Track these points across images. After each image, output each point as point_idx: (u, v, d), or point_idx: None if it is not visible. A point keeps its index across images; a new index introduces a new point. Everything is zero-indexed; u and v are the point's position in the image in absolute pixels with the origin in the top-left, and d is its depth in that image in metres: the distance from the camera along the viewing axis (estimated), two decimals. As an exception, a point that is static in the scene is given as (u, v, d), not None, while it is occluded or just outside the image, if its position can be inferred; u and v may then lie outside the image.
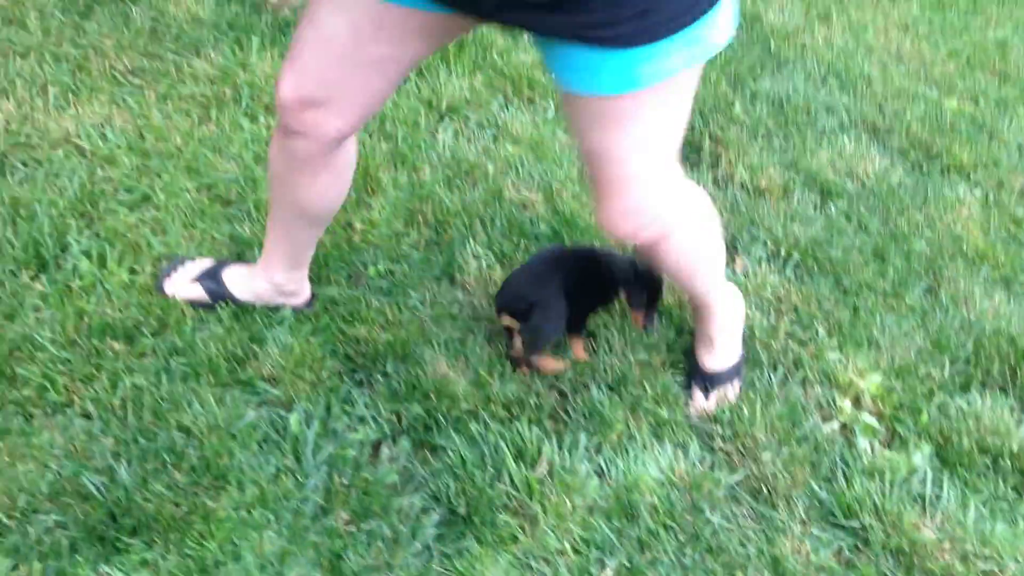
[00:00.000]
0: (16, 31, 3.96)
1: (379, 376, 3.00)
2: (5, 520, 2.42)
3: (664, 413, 3.02)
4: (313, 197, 2.79)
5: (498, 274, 3.36)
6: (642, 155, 2.26)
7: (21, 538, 2.40)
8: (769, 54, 5.04)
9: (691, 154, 4.23)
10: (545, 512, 2.68)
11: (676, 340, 3.30)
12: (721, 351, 3.15)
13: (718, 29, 2.09)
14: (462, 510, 2.67)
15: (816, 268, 3.70)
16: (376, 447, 2.85)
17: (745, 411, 3.05)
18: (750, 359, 3.27)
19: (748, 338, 3.33)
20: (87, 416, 2.73)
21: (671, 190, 2.46)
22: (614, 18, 1.97)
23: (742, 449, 2.98)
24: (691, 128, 4.30)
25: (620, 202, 2.36)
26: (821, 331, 3.40)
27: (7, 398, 2.69)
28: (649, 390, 3.07)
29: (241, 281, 3.11)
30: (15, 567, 2.34)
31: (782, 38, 5.21)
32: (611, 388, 3.10)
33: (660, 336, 3.28)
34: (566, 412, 3.03)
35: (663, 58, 2.03)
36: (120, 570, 2.39)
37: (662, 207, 2.44)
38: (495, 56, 4.46)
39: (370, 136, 3.85)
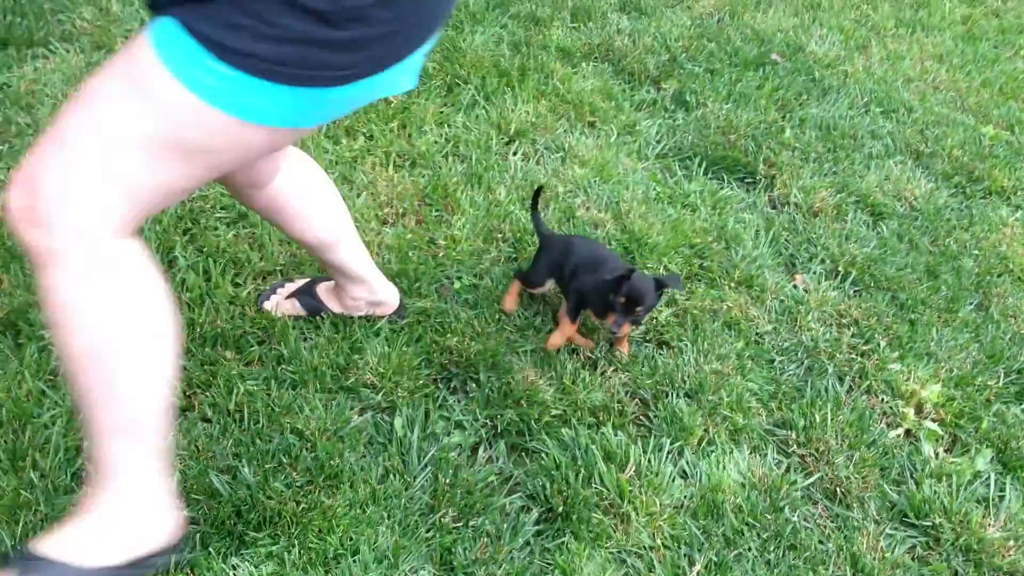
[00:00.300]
0: (106, 55, 4.16)
1: (472, 383, 3.18)
2: (140, 515, 2.60)
3: (740, 419, 3.21)
4: (295, 236, 2.97)
5: (576, 288, 3.55)
6: (93, 136, 1.82)
7: (156, 532, 2.59)
8: (813, 82, 5.25)
9: (746, 176, 4.42)
10: (636, 511, 2.86)
11: (745, 349, 3.49)
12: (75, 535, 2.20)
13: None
14: (559, 509, 2.85)
15: (873, 284, 3.89)
16: (474, 450, 3.03)
17: (817, 418, 3.24)
18: (816, 369, 3.46)
19: (813, 350, 3.53)
20: (207, 420, 2.92)
21: (94, 211, 1.85)
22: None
23: (815, 453, 3.16)
24: (745, 152, 4.51)
25: (29, 165, 1.84)
26: (882, 343, 3.59)
27: (131, 402, 2.88)
28: (725, 398, 3.26)
29: (332, 296, 3.30)
30: (152, 558, 2.52)
31: (824, 67, 5.42)
32: (688, 396, 3.28)
33: (730, 347, 3.47)
34: (648, 418, 3.22)
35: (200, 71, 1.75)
36: (249, 562, 2.57)
37: (69, 215, 1.83)
38: (557, 83, 4.67)
39: (446, 158, 4.06)
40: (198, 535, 2.59)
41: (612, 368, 3.33)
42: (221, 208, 3.58)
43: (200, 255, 3.38)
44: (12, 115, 3.71)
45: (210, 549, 2.58)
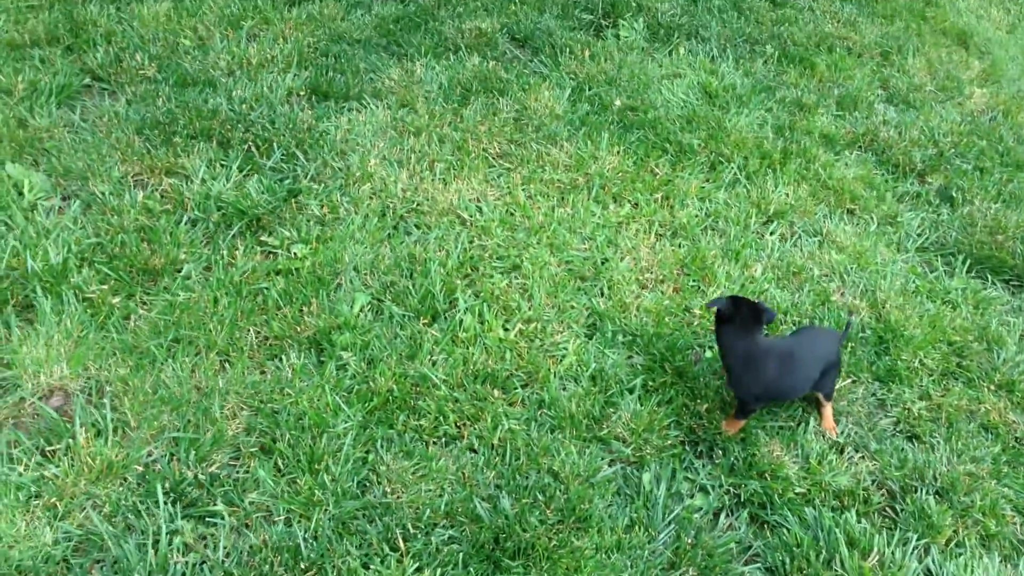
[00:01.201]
0: (408, 112, 4.67)
1: (719, 450, 3.29)
2: (411, 528, 2.89)
3: (993, 525, 3.12)
4: None
5: (828, 372, 3.59)
6: None
7: (424, 546, 2.86)
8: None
9: (1013, 279, 4.28)
10: (878, 602, 2.86)
11: (1002, 454, 3.39)
12: None
13: None
14: (799, 586, 2.90)
15: None
16: (716, 515, 3.13)
17: (1079, 537, 3.10)
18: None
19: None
20: (473, 450, 3.19)
21: None
22: None
23: (1074, 573, 3.03)
24: (1013, 254, 4.36)
25: None
26: None
27: (410, 425, 3.21)
28: (978, 501, 3.18)
29: None
30: (419, 569, 2.80)
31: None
32: (939, 494, 3.23)
33: (986, 450, 3.38)
34: (894, 511, 3.20)
35: None
36: (502, 586, 2.80)
37: None
38: (819, 168, 4.73)
39: (705, 232, 4.22)
40: (460, 554, 2.85)
41: (860, 455, 3.34)
42: (498, 258, 3.91)
43: (477, 299, 3.71)
44: (329, 159, 4.24)
45: (470, 568, 2.82)
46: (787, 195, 4.52)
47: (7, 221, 3.67)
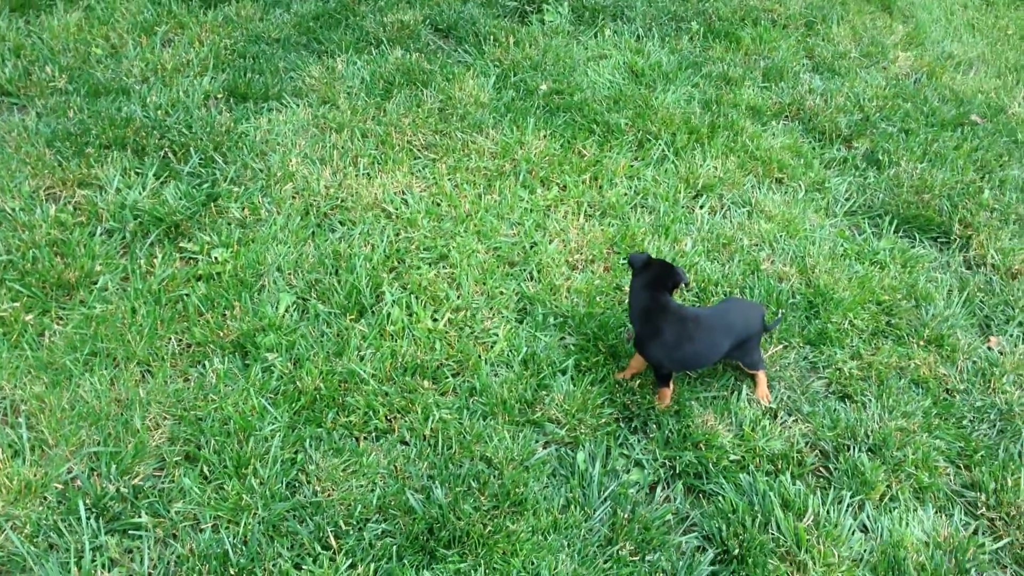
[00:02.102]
0: (330, 109, 4.60)
1: (653, 424, 3.28)
2: (343, 525, 2.85)
3: (926, 478, 3.14)
4: None
5: (759, 340, 3.59)
6: None
7: (357, 542, 2.82)
8: (1015, 143, 5.06)
9: (940, 236, 4.32)
10: (813, 561, 2.86)
11: (933, 408, 3.41)
12: None
13: None
14: (735, 551, 2.89)
15: (1078, 351, 3.71)
16: (652, 488, 3.12)
17: (1009, 481, 3.12)
18: (1009, 432, 3.33)
19: (1007, 412, 3.41)
20: (404, 442, 3.15)
21: None
22: None
23: (1006, 517, 3.05)
24: (939, 212, 4.41)
25: None
26: (1087, 413, 3.42)
27: (339, 422, 3.16)
28: (910, 455, 3.20)
29: None
30: (352, 565, 2.75)
31: (1029, 126, 5.23)
32: (872, 451, 3.24)
33: (917, 405, 3.40)
34: (828, 470, 3.21)
35: None
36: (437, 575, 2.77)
37: None
38: (746, 140, 4.74)
39: (635, 209, 4.21)
40: (394, 547, 2.81)
41: (792, 419, 3.35)
42: (425, 249, 3.87)
43: (404, 291, 3.66)
44: (249, 161, 4.17)
45: (404, 561, 2.78)
46: (715, 168, 4.52)
47: (-86, 244, 3.57)
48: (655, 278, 3.18)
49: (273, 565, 2.71)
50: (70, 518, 2.76)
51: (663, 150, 4.62)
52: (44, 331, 3.32)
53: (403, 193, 4.16)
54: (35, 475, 2.83)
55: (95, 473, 2.89)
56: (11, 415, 3.04)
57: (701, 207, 4.30)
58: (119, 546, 2.71)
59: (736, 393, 3.40)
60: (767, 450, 3.21)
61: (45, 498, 2.81)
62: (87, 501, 2.79)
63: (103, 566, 2.67)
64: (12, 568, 2.65)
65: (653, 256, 3.32)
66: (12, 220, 3.71)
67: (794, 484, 3.09)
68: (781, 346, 3.61)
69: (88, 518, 2.76)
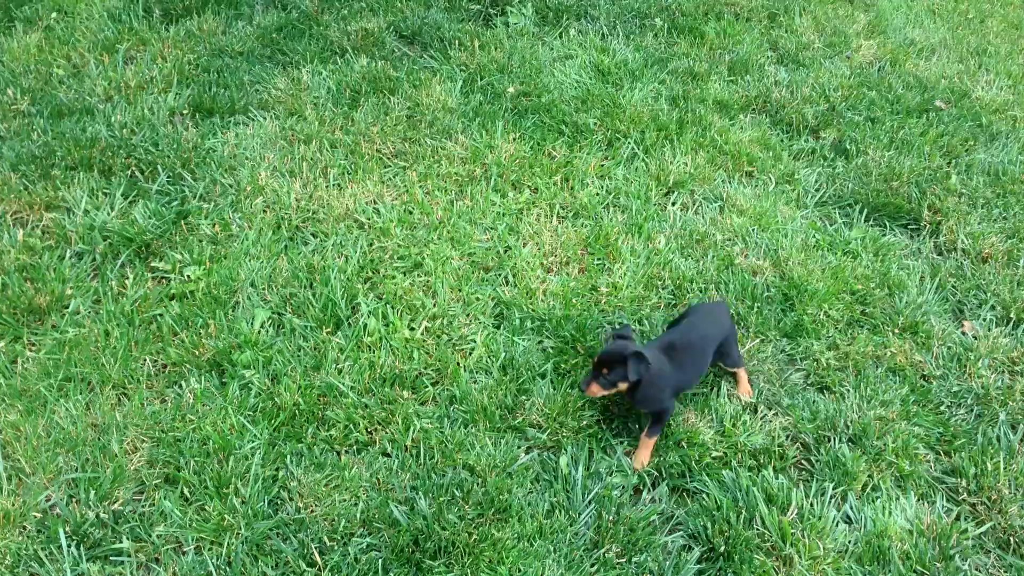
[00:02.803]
0: (297, 121, 4.58)
1: (634, 425, 3.28)
2: (328, 541, 2.83)
3: (907, 466, 3.16)
4: None
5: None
6: None
7: (342, 557, 2.80)
8: (980, 127, 5.11)
9: (910, 223, 4.36)
10: (799, 554, 2.87)
11: (910, 395, 3.44)
12: None
13: None
14: (721, 548, 2.89)
15: (1050, 332, 3.76)
16: (636, 489, 3.12)
17: (989, 466, 3.15)
18: (987, 416, 3.37)
19: (984, 397, 3.44)
20: (386, 454, 3.14)
21: None
22: None
23: (987, 502, 3.08)
24: (908, 198, 4.45)
25: None
26: (1061, 393, 3.46)
27: (319, 436, 3.14)
28: (890, 443, 3.22)
29: None
30: (339, 580, 2.74)
31: (992, 112, 5.27)
32: (852, 441, 3.27)
33: (895, 393, 3.43)
34: (809, 463, 3.23)
35: None
36: (425, 588, 2.75)
37: None
38: (715, 135, 4.76)
39: (607, 209, 4.21)
40: (380, 561, 2.79)
41: (773, 412, 3.36)
42: (399, 258, 3.86)
43: (380, 302, 3.65)
44: (218, 176, 4.14)
45: (391, 574, 2.77)
46: (686, 165, 4.54)
47: None
48: (624, 362, 3.04)
49: (259, 585, 2.70)
50: (51, 546, 2.72)
51: (633, 148, 4.63)
52: (16, 358, 3.28)
53: (375, 202, 4.14)
54: (13, 505, 2.80)
55: (74, 500, 2.85)
56: (-15, 446, 3.00)
57: (673, 204, 4.32)
58: (101, 573, 2.68)
59: (716, 390, 3.42)
60: (749, 445, 3.22)
61: (24, 527, 2.78)
62: (67, 529, 2.76)
63: (86, 594, 2.65)
64: (-7, 601, 2.62)
65: (598, 357, 3.12)
66: (-21, 247, 3.66)
67: (777, 478, 3.11)
68: (758, 340, 3.62)
69: (69, 546, 2.72)
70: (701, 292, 3.80)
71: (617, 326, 3.36)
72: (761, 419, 3.33)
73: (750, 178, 4.58)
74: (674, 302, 3.78)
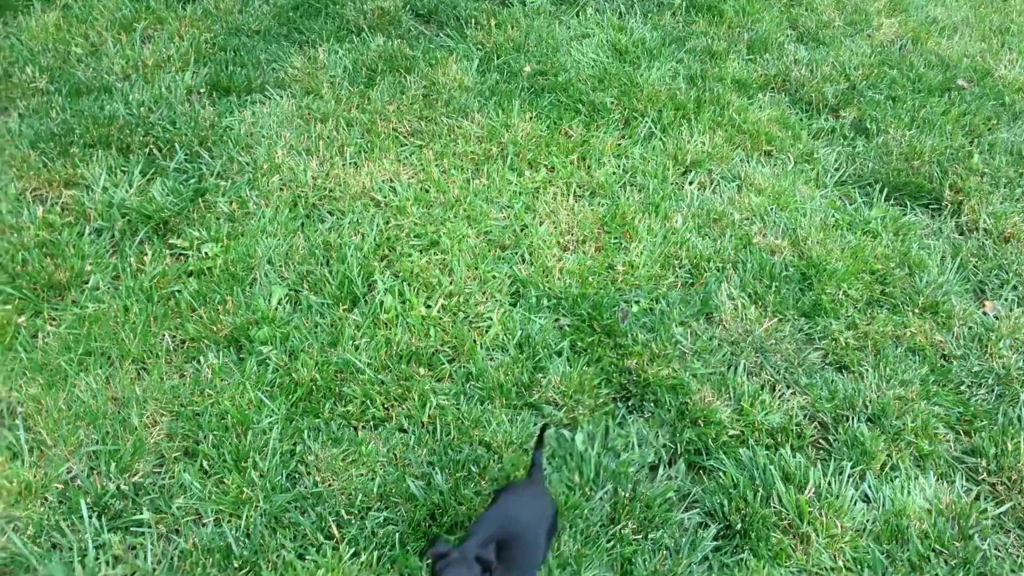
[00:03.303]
0: (314, 99, 4.57)
1: (650, 403, 3.28)
2: (345, 515, 2.85)
3: (926, 445, 3.15)
4: None
5: (752, 314, 3.59)
6: None
7: (359, 531, 2.82)
8: (1003, 106, 5.06)
9: (931, 202, 4.32)
10: (816, 532, 2.87)
11: (930, 375, 3.42)
12: None
13: None
14: (738, 526, 2.90)
15: (1071, 312, 3.72)
16: (652, 467, 3.13)
17: (1009, 446, 3.14)
18: (1008, 396, 3.35)
19: (1005, 377, 3.42)
20: (403, 430, 3.15)
21: None
22: None
23: (1007, 482, 3.07)
24: (929, 178, 4.41)
25: None
26: (1082, 373, 3.43)
27: (336, 412, 3.15)
28: (910, 423, 3.21)
29: None
30: (355, 554, 2.76)
31: (1015, 91, 5.21)
32: (871, 420, 3.25)
33: (915, 373, 3.41)
34: (827, 442, 3.22)
35: None
36: (441, 562, 2.76)
37: None
38: (733, 114, 4.73)
39: (624, 188, 4.20)
40: (397, 534, 2.81)
41: (790, 391, 3.35)
42: (415, 236, 3.86)
43: (396, 279, 3.65)
44: (235, 155, 4.15)
45: (408, 548, 2.79)
46: (703, 144, 4.51)
47: (-99, 251, 3.55)
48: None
49: (277, 556, 2.72)
50: (72, 517, 2.76)
51: (650, 127, 4.60)
52: (37, 333, 3.31)
53: (391, 181, 4.14)
54: (35, 476, 2.83)
55: (95, 472, 2.88)
56: (8, 418, 3.02)
57: (690, 183, 4.29)
58: (122, 543, 2.71)
59: (733, 368, 3.41)
60: (766, 424, 3.21)
61: (46, 499, 2.81)
62: (88, 500, 2.79)
63: (107, 563, 2.67)
64: (15, 569, 2.65)
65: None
66: (0, 223, 3.68)
67: (794, 457, 3.11)
68: (776, 320, 3.61)
69: (90, 516, 2.75)
70: (719, 271, 3.79)
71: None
72: (779, 398, 3.32)
73: (769, 157, 4.55)
74: (691, 281, 3.77)
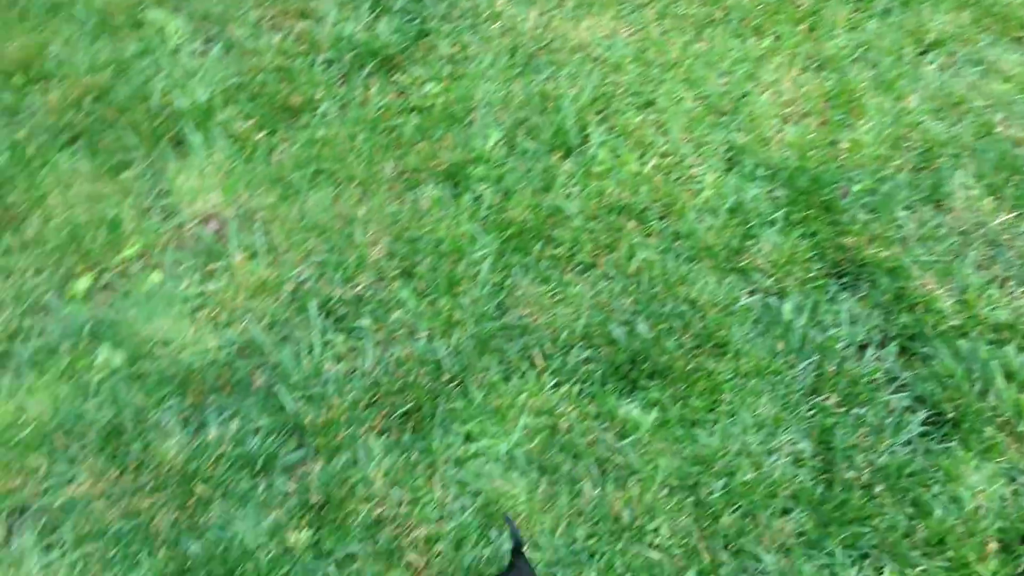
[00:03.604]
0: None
1: (866, 284, 3.17)
2: (549, 348, 2.93)
3: None
4: None
5: (987, 206, 3.37)
6: None
7: (562, 364, 2.91)
8: None
9: None
10: (1033, 433, 2.74)
11: None
12: None
13: None
14: (949, 415, 2.80)
15: None
16: (861, 347, 3.04)
17: None
18: None
19: None
20: (609, 278, 3.18)
21: None
22: None
23: None
24: None
25: None
26: None
27: (545, 254, 3.21)
28: None
29: None
30: (556, 384, 2.85)
31: None
32: (1105, 331, 3.04)
33: None
34: (1056, 344, 3.03)
35: None
36: (637, 403, 2.82)
37: None
38: (983, -9, 4.36)
39: (855, 63, 3.97)
40: (598, 373, 2.88)
41: (1022, 289, 3.16)
42: (631, 94, 3.80)
43: (610, 134, 3.63)
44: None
45: (607, 386, 2.85)
46: (947, 23, 4.18)
47: (155, 63, 3.80)
48: None
49: (483, 376, 2.84)
50: (301, 316, 2.97)
51: (889, 1, 4.31)
52: (272, 149, 3.51)
53: (609, 37, 4.07)
54: (270, 275, 3.05)
55: (323, 278, 3.08)
56: (247, 222, 3.26)
57: (929, 63, 4.01)
58: (345, 343, 2.90)
59: (960, 259, 3.23)
60: (991, 319, 3.04)
61: (279, 297, 3.03)
62: (316, 301, 2.99)
63: (331, 359, 2.88)
64: (252, 353, 2.90)
65: None
66: (241, 47, 3.88)
67: (1020, 356, 2.94)
68: (1014, 214, 3.38)
69: (318, 316, 2.96)
70: (954, 158, 3.56)
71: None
72: (1008, 295, 3.13)
73: (1019, 43, 4.18)
74: (921, 166, 3.56)
